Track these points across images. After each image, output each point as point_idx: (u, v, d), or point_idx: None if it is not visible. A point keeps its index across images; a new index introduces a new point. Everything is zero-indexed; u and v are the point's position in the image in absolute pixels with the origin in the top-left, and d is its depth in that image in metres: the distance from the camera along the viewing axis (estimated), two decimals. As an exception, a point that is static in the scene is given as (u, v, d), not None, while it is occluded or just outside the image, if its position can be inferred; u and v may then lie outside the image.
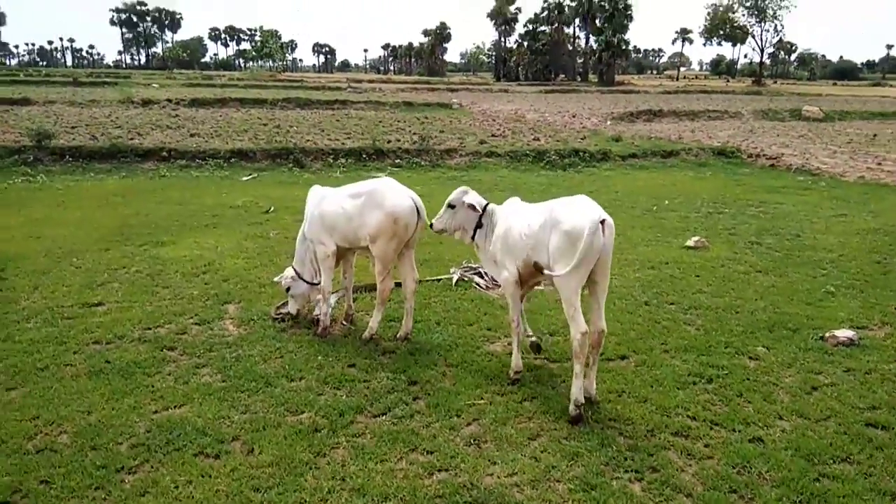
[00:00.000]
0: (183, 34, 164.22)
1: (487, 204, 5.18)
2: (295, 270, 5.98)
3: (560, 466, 3.82)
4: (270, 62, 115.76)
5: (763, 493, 3.59)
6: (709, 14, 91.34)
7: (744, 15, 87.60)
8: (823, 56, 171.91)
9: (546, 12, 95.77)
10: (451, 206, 5.22)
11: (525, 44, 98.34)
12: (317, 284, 5.96)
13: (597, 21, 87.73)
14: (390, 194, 5.45)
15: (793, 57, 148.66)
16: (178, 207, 10.87)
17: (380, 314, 5.71)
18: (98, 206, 10.93)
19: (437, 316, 6.24)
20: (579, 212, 4.37)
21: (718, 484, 3.67)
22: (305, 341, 5.61)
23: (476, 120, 25.79)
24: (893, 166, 15.39)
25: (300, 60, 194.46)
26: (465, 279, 7.28)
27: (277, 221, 9.93)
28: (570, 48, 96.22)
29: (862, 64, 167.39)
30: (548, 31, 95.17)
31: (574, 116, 27.83)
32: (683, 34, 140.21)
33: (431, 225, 5.33)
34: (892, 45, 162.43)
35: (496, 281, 7.20)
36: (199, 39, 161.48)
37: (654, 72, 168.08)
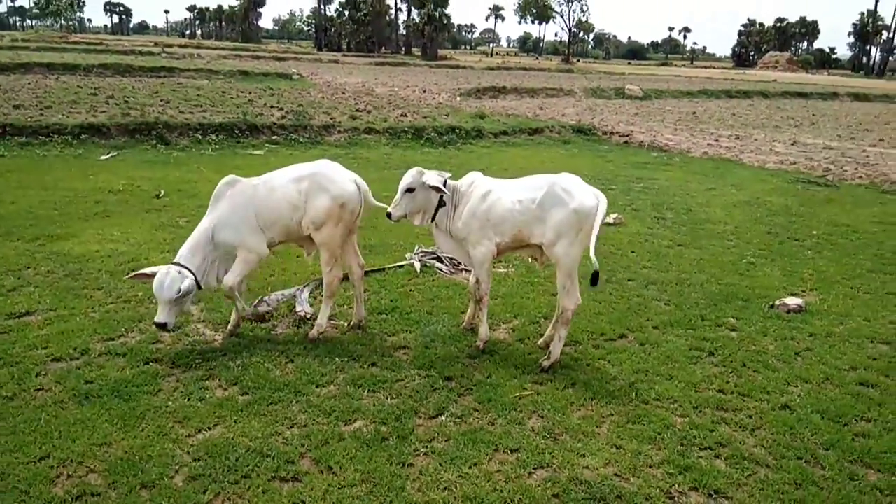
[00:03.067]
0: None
1: (446, 181, 5.07)
2: (189, 271, 4.80)
3: (644, 451, 3.95)
4: (60, 21, 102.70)
5: (822, 457, 3.99)
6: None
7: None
8: (615, 36, 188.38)
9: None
10: (409, 191, 5.02)
11: (346, 13, 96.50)
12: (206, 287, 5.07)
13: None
14: (336, 177, 5.13)
15: (590, 37, 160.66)
16: (46, 193, 9.42)
17: (329, 309, 5.36)
18: (-61, 193, 9.15)
19: (423, 306, 6.07)
20: (584, 190, 4.81)
21: (783, 452, 4.02)
22: (303, 342, 5.20)
23: (325, 92, 24.98)
24: (728, 142, 17.41)
25: (89, 20, 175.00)
26: (427, 265, 7.14)
27: (178, 208, 8.98)
28: (388, 19, 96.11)
29: (648, 45, 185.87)
30: (369, 0, 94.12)
31: (424, 92, 27.96)
32: (496, 11, 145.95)
33: (389, 214, 5.08)
34: (672, 28, 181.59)
35: (457, 264, 7.22)
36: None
37: (467, 47, 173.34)
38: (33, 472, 3.51)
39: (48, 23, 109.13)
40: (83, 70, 27.64)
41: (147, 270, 4.83)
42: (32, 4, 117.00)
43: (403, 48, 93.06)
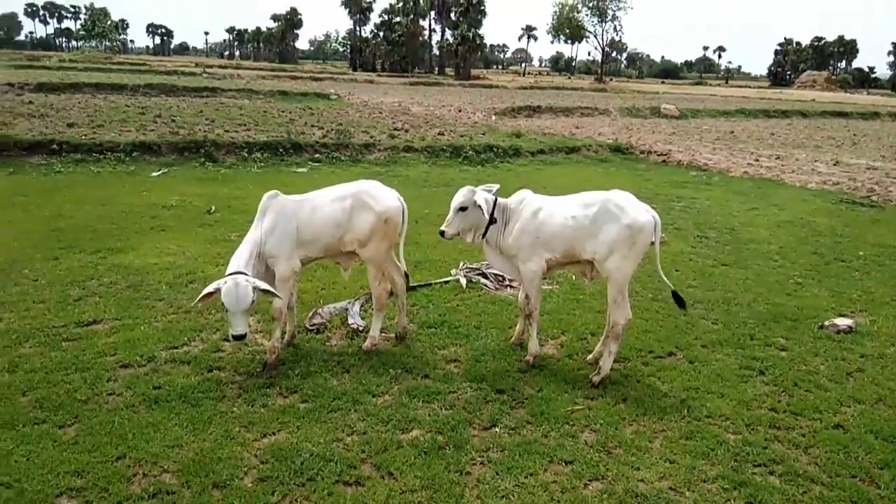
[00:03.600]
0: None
1: (496, 199, 5.22)
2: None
3: (698, 466, 4.00)
4: (105, 43, 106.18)
5: (877, 476, 3.99)
6: (555, 13, 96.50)
7: (587, 15, 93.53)
8: (648, 56, 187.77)
9: (402, 3, 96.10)
10: (462, 209, 5.15)
11: (381, 34, 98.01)
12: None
13: (452, 15, 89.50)
14: (378, 194, 5.26)
15: (623, 56, 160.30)
16: (103, 208, 9.79)
17: (380, 321, 5.51)
18: (3, 208, 9.57)
19: (471, 320, 6.18)
20: (637, 207, 4.96)
21: (837, 470, 4.02)
22: (357, 353, 5.36)
23: (362, 112, 25.42)
24: (769, 162, 17.26)
25: (132, 42, 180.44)
26: (473, 281, 7.26)
27: (229, 223, 9.27)
28: (421, 40, 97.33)
29: (681, 64, 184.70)
30: (403, 22, 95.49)
31: (460, 111, 28.25)
32: (529, 31, 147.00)
33: (443, 233, 5.20)
34: (707, 47, 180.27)
35: (501, 280, 7.33)
36: (13, 16, 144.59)
37: (499, 67, 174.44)
38: (111, 471, 3.70)
39: (94, 44, 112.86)
40: (130, 90, 28.54)
41: (210, 289, 4.61)
42: (79, 26, 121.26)
43: (437, 68, 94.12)
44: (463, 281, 7.21)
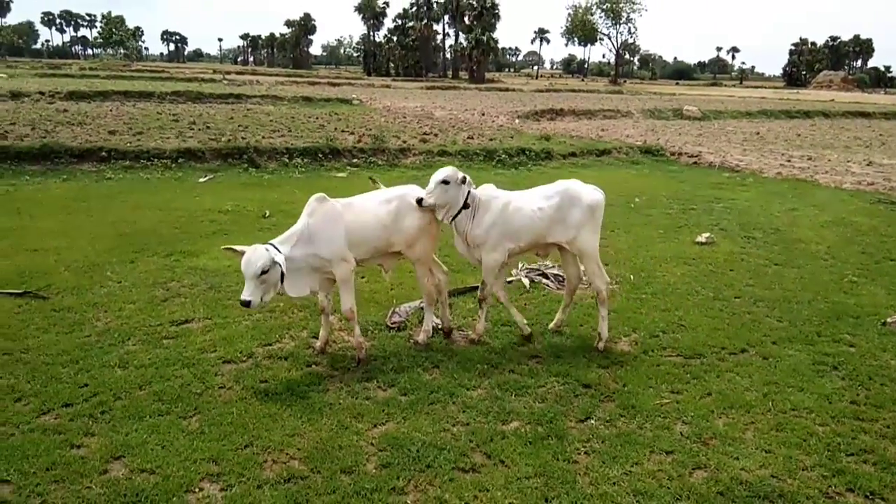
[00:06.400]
0: (10, 18, 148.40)
1: (471, 188, 5.50)
2: (277, 251, 4.79)
3: (795, 456, 4.17)
4: (121, 50, 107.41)
5: (968, 462, 4.14)
6: (569, 15, 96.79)
7: (601, 17, 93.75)
8: (661, 57, 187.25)
9: (415, 8, 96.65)
10: (444, 182, 5.34)
11: (395, 39, 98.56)
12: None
13: (465, 19, 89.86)
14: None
15: (636, 58, 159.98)
16: (162, 213, 10.09)
17: (431, 315, 5.76)
18: (67, 214, 9.90)
19: (541, 319, 6.37)
20: (589, 188, 5.67)
21: (934, 459, 4.18)
22: (439, 348, 5.57)
23: (386, 117, 25.67)
24: (801, 163, 17.35)
25: (146, 48, 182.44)
26: (535, 281, 7.46)
27: (286, 227, 9.35)
28: (434, 44, 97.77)
29: (695, 65, 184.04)
30: (417, 26, 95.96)
31: (483, 115, 28.49)
32: (541, 34, 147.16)
33: (420, 200, 5.35)
34: (720, 48, 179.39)
35: (561, 280, 7.52)
36: (30, 24, 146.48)
37: (511, 70, 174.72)
38: (243, 458, 3.93)
39: (111, 52, 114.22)
40: (157, 97, 29.02)
41: (238, 248, 4.77)
42: (96, 34, 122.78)
43: (450, 72, 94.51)
44: (526, 281, 7.41)
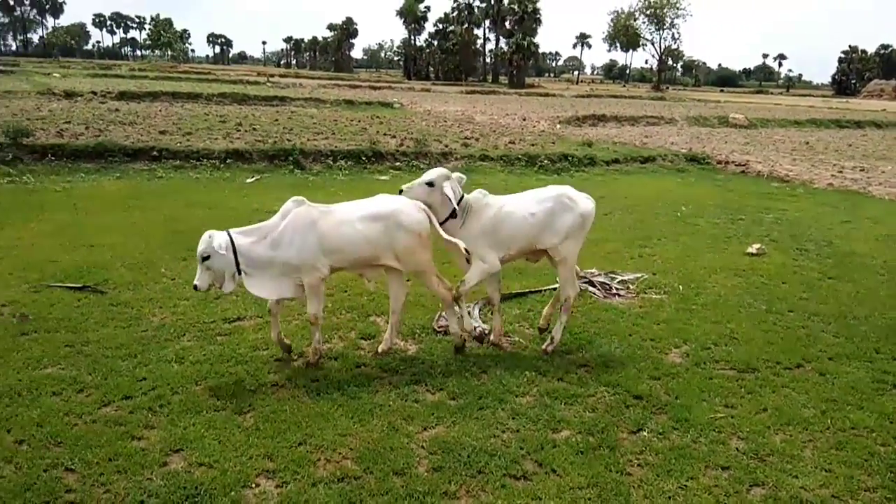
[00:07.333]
0: (64, 20, 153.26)
1: (463, 195, 5.31)
2: (231, 242, 4.80)
3: (856, 476, 4.05)
4: (168, 52, 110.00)
5: None
6: (612, 21, 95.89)
7: (644, 23, 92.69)
8: (704, 63, 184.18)
9: (456, 13, 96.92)
10: (429, 184, 5.18)
11: (436, 43, 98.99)
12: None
13: (507, 23, 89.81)
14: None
15: (679, 64, 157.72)
16: (212, 212, 10.28)
17: (455, 317, 5.52)
18: (122, 211, 10.17)
19: (589, 327, 6.33)
20: (583, 197, 5.60)
21: None
22: (486, 353, 5.56)
23: (427, 120, 25.78)
24: (853, 174, 16.88)
25: (192, 51, 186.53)
26: (581, 289, 7.39)
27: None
28: (474, 48, 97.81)
29: (739, 72, 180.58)
30: (458, 31, 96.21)
31: (524, 120, 28.41)
32: (583, 39, 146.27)
33: (401, 191, 5.26)
34: (767, 55, 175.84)
35: (608, 289, 7.45)
36: (82, 26, 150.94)
37: (551, 75, 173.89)
38: (297, 455, 3.98)
39: (158, 53, 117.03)
40: (204, 98, 29.62)
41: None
42: (145, 36, 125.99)
43: (490, 76, 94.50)
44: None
